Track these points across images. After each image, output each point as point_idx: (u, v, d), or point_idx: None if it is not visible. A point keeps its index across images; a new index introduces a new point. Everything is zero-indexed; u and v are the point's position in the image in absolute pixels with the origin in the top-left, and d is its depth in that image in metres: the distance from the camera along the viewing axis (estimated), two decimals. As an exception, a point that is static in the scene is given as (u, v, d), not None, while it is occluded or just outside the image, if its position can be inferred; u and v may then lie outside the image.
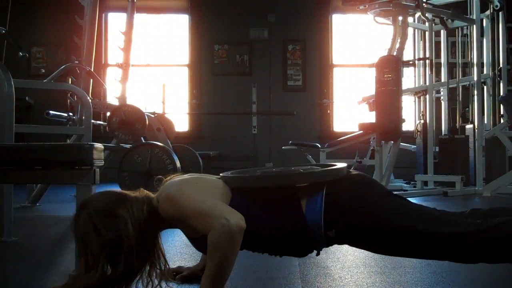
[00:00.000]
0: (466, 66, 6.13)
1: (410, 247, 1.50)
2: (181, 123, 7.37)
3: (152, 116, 4.77)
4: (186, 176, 1.59)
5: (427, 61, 5.79)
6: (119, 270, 1.36)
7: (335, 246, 2.38)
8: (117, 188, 1.55)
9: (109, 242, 1.36)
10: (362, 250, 2.33)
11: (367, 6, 5.29)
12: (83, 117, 3.73)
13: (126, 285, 1.41)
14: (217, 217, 1.36)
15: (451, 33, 6.11)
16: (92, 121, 3.71)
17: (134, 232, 1.39)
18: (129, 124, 4.28)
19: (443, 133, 6.04)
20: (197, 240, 1.48)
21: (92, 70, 4.57)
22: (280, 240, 1.53)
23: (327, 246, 1.57)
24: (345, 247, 2.38)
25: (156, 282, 1.44)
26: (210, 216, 1.38)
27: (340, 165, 1.61)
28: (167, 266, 1.48)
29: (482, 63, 5.94)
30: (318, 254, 1.59)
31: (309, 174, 1.57)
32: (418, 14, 5.65)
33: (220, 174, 1.62)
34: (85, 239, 1.38)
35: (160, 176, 1.58)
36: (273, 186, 1.54)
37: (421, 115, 6.08)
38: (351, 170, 1.64)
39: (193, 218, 1.42)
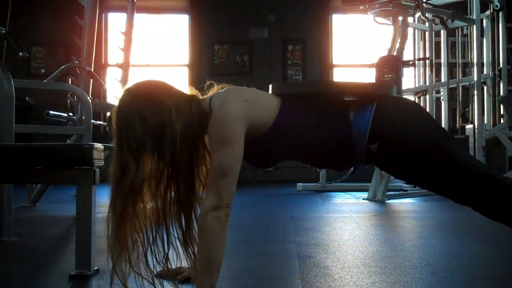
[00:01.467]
0: (466, 66, 6.12)
1: (442, 176, 1.50)
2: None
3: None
4: (237, 90, 1.54)
5: (427, 61, 5.77)
6: (167, 159, 1.40)
7: (335, 246, 2.40)
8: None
9: (153, 128, 1.39)
10: (362, 250, 2.35)
11: (367, 6, 5.28)
12: (83, 117, 3.73)
13: (178, 180, 1.45)
14: (215, 194, 1.38)
15: (451, 33, 6.09)
16: (92, 121, 3.71)
17: (179, 123, 1.41)
18: (129, 124, 4.27)
19: (443, 133, 6.03)
20: None
21: (92, 70, 4.57)
22: (324, 149, 1.54)
23: (365, 164, 1.59)
24: (345, 247, 2.39)
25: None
26: (216, 181, 1.39)
27: (392, 85, 1.68)
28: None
29: (482, 63, 5.93)
30: (354, 171, 1.63)
31: (362, 85, 1.63)
32: (418, 14, 5.64)
33: (270, 85, 1.65)
34: (128, 122, 1.40)
35: (211, 82, 1.58)
36: (324, 94, 1.60)
37: (421, 115, 6.07)
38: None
39: (211, 158, 1.45)
